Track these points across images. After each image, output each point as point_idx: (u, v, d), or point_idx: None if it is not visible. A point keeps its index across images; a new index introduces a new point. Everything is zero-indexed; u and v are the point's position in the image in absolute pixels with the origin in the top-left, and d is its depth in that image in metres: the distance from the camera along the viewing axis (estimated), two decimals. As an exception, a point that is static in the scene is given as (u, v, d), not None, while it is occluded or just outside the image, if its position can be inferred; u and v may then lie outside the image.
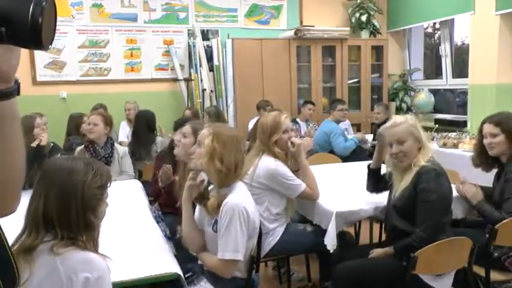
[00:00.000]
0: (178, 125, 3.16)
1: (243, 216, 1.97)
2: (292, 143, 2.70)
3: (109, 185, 1.44)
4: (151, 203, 2.95)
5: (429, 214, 2.19)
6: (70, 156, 1.54)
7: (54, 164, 1.44)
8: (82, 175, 1.37)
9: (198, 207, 2.22)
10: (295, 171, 2.72)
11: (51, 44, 0.68)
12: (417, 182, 2.24)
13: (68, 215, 1.34)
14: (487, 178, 2.74)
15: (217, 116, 4.99)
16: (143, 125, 4.40)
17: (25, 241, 1.34)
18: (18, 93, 0.72)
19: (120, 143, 4.90)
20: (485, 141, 2.55)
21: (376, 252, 2.39)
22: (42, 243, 1.33)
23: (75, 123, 4.74)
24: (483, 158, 2.63)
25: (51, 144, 3.62)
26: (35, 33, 0.63)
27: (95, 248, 1.39)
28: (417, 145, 2.31)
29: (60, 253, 1.30)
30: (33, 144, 3.08)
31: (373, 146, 4.93)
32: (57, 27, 0.71)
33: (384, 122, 5.29)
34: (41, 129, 3.28)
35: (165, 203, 2.89)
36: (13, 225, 1.31)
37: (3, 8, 0.62)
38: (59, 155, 3.34)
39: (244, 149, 2.18)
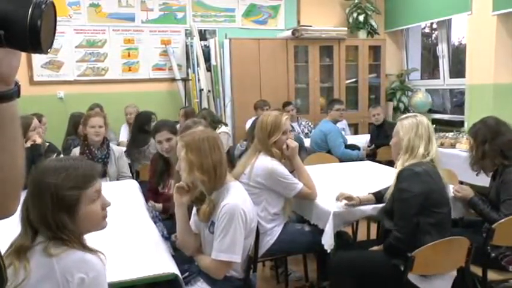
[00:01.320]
0: (156, 129, 3.14)
1: (242, 218, 1.97)
2: (287, 145, 2.69)
3: (90, 185, 1.39)
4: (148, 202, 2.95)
5: (401, 213, 2.22)
6: (58, 157, 1.53)
7: (38, 166, 1.44)
8: (52, 176, 1.35)
9: (194, 210, 2.22)
10: (291, 172, 2.72)
11: (50, 47, 0.67)
12: (396, 183, 2.28)
13: (45, 216, 1.33)
14: (485, 178, 2.75)
15: (212, 116, 4.98)
16: (137, 127, 4.42)
17: (18, 242, 1.35)
18: (18, 95, 0.72)
19: (119, 144, 4.90)
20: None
21: (371, 250, 2.42)
22: (38, 245, 1.33)
23: (73, 123, 4.73)
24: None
25: (47, 144, 3.59)
26: (34, 37, 0.62)
27: (83, 248, 1.36)
28: (399, 145, 2.34)
29: (56, 254, 1.30)
30: (28, 145, 3.04)
31: (370, 147, 4.96)
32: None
33: (383, 123, 5.33)
34: (36, 132, 3.23)
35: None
36: (14, 226, 1.32)
37: (2, 11, 0.61)
38: (54, 155, 3.32)
39: (222, 145, 2.14)
